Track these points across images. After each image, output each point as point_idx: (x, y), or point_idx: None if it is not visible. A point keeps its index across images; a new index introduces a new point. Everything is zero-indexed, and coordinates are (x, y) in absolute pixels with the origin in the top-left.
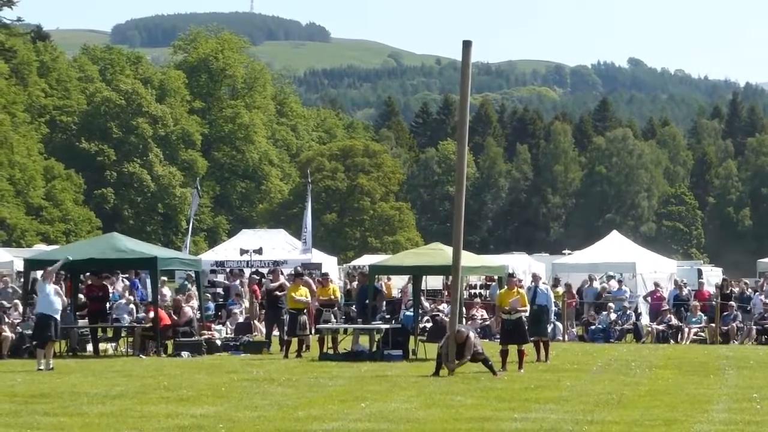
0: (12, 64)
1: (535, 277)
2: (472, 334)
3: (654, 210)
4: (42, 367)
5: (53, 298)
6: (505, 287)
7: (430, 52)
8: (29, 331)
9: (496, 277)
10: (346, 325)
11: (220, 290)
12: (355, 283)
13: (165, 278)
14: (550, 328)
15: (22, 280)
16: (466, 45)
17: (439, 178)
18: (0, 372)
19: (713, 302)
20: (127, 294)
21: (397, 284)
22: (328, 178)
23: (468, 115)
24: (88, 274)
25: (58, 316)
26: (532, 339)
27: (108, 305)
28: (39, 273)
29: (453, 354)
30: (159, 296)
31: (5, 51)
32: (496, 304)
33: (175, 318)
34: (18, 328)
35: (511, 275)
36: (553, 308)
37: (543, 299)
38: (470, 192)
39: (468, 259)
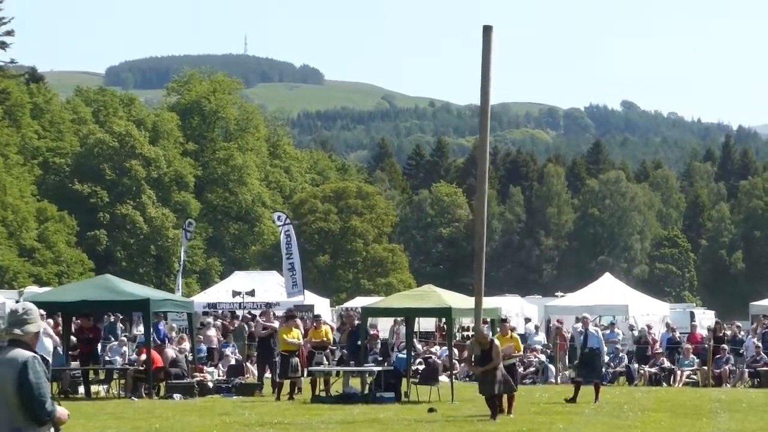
0: (5, 105)
1: (585, 320)
2: (497, 343)
3: (647, 252)
4: None
5: (43, 338)
6: (498, 333)
7: (424, 95)
8: None
9: (488, 320)
10: (339, 368)
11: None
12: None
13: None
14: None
15: None
16: (487, 30)
17: (432, 219)
18: None
19: (706, 345)
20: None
21: (386, 326)
22: (321, 219)
23: (489, 108)
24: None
25: (50, 358)
26: (587, 382)
27: (99, 347)
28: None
29: (478, 353)
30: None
31: None
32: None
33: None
34: None
35: (504, 320)
36: (605, 349)
37: (595, 342)
38: (463, 234)
39: (461, 301)
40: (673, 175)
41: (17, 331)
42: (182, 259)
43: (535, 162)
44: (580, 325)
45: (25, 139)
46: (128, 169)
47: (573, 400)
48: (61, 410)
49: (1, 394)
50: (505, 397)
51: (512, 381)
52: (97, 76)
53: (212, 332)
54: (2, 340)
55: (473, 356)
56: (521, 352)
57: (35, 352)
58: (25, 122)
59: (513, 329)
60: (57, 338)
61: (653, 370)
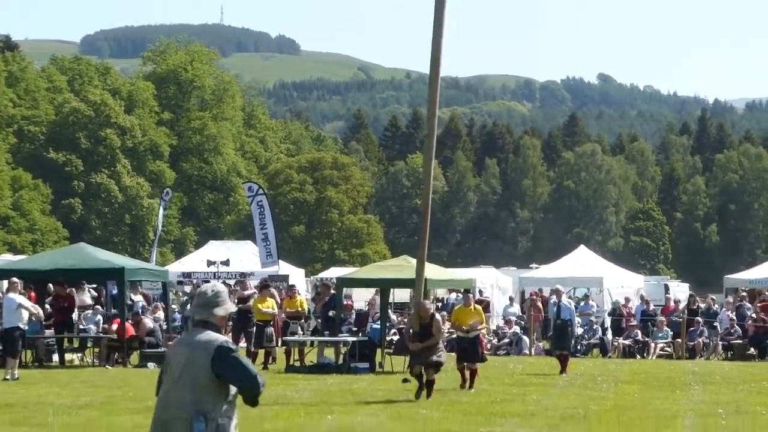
0: None
1: (558, 292)
2: (438, 317)
3: (622, 225)
4: (8, 377)
5: (19, 310)
6: (461, 304)
7: (400, 66)
8: None
9: (461, 291)
10: (313, 338)
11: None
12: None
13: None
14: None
15: None
16: None
17: (407, 191)
18: None
19: (680, 318)
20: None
21: (363, 297)
22: (296, 190)
23: (440, 57)
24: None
25: (25, 328)
26: (555, 353)
27: (74, 315)
28: (5, 284)
29: (417, 328)
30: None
31: None
32: (451, 321)
33: (136, 331)
34: None
35: (468, 291)
36: (577, 321)
37: (567, 313)
38: (438, 205)
39: (435, 272)
40: (648, 149)
41: (207, 313)
42: (159, 228)
43: (511, 134)
44: (554, 297)
45: None
46: (103, 138)
47: (563, 371)
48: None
49: (190, 375)
50: (467, 372)
51: (479, 353)
52: (72, 45)
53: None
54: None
55: (411, 330)
56: (484, 324)
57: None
58: (0, 91)
59: (482, 302)
60: (35, 310)
61: (627, 342)
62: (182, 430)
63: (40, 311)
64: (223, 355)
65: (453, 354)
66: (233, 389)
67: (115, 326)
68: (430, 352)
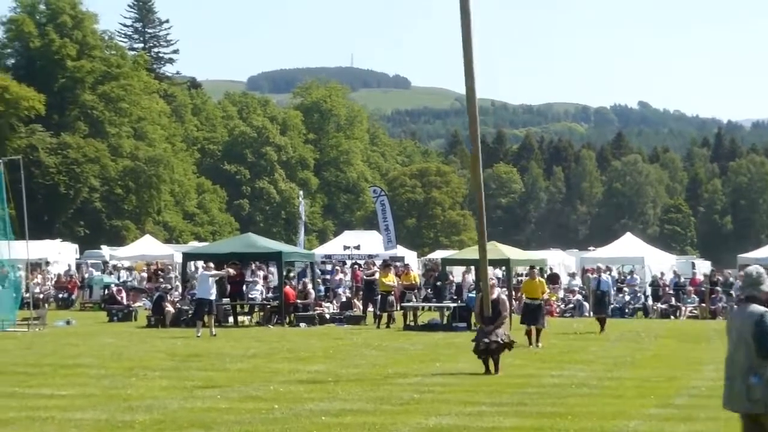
0: (172, 106)
1: (599, 269)
2: (504, 297)
3: (658, 217)
4: (200, 335)
5: (210, 285)
6: (528, 277)
7: (486, 96)
8: (186, 307)
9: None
10: (424, 304)
11: (328, 276)
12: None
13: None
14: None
15: (180, 268)
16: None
17: (492, 192)
18: (164, 337)
19: (703, 288)
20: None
21: (459, 273)
22: (409, 192)
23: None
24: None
25: (213, 298)
26: (595, 316)
27: (244, 287)
28: (201, 264)
29: (488, 309)
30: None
31: (168, 96)
32: (521, 291)
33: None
34: (177, 304)
35: (533, 268)
36: (613, 292)
37: (605, 286)
38: (517, 203)
39: (516, 253)
40: (677, 158)
41: (754, 289)
42: (302, 221)
43: (572, 148)
44: (595, 273)
45: (187, 131)
46: (264, 154)
47: (602, 330)
48: None
49: (741, 339)
50: (533, 331)
51: (538, 318)
52: (240, 84)
53: (339, 276)
54: (739, 298)
55: (482, 311)
56: (546, 294)
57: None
58: (188, 119)
59: (553, 276)
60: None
61: (664, 306)
62: (741, 382)
63: (230, 271)
64: (760, 323)
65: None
66: None
67: (285, 292)
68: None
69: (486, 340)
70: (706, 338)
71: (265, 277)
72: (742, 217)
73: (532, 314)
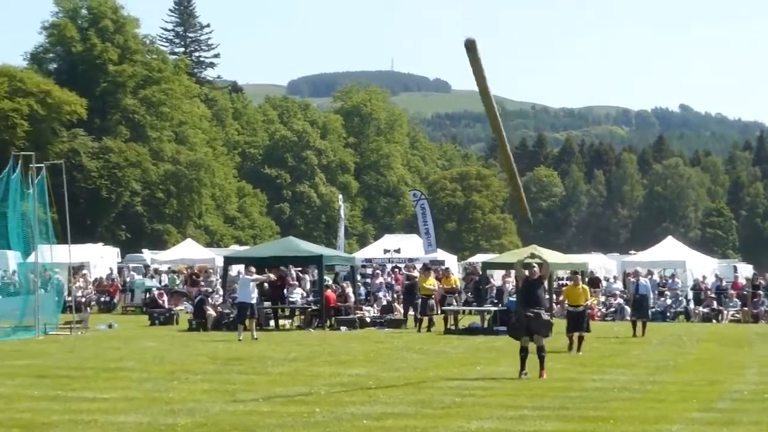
0: (213, 110)
1: (637, 273)
2: (546, 262)
3: (699, 220)
4: (241, 338)
5: (251, 289)
6: (571, 283)
7: (527, 100)
8: (227, 311)
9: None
10: (464, 307)
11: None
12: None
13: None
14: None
15: (221, 271)
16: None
17: (534, 195)
18: (205, 341)
19: (745, 291)
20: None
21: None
22: (449, 195)
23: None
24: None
25: (254, 302)
26: (633, 319)
27: (285, 291)
28: (242, 267)
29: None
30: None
31: (209, 100)
32: (563, 298)
33: (340, 300)
34: (219, 308)
35: (575, 273)
36: (652, 296)
37: (643, 289)
38: (558, 206)
39: (556, 257)
40: (719, 161)
41: None
42: (342, 224)
43: (613, 151)
44: (634, 277)
45: (228, 135)
46: (305, 158)
47: (634, 334)
48: None
49: None
50: (575, 337)
51: (583, 324)
52: (281, 88)
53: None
54: None
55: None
56: (589, 300)
57: None
58: (228, 123)
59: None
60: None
61: (705, 310)
62: None
63: (271, 276)
64: None
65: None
66: None
67: (326, 296)
68: (537, 324)
69: (530, 314)
70: (748, 342)
71: (301, 280)
72: None
73: (576, 321)
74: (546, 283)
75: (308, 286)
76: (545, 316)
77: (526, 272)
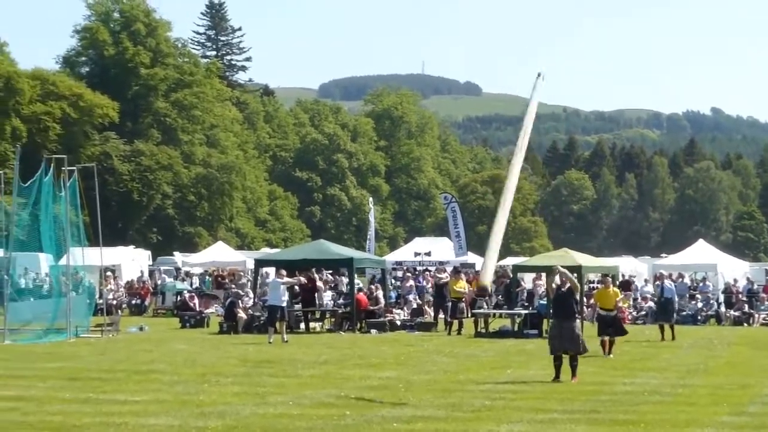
0: (245, 113)
1: (662, 276)
2: (573, 279)
3: (731, 223)
4: (271, 341)
5: (281, 292)
6: (602, 286)
7: (558, 103)
8: (258, 313)
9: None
10: (495, 311)
11: (399, 283)
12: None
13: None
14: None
15: (252, 274)
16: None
17: (565, 198)
18: (236, 343)
19: None
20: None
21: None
22: (480, 198)
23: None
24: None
25: (284, 305)
26: (659, 323)
27: (315, 293)
28: (272, 270)
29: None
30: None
31: (240, 104)
32: (594, 301)
33: (371, 303)
34: (249, 310)
35: (606, 275)
36: (677, 299)
37: (668, 293)
38: (589, 209)
39: (588, 260)
40: (750, 164)
41: None
42: (372, 227)
43: (644, 154)
44: (659, 280)
45: (259, 138)
46: (336, 161)
47: (662, 338)
48: None
49: None
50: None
51: (617, 327)
52: (312, 91)
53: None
54: None
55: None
56: (619, 302)
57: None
58: (260, 126)
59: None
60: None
61: (737, 313)
62: None
63: (301, 279)
64: None
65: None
66: None
67: (357, 299)
68: (572, 337)
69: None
70: None
71: (331, 284)
72: None
73: (607, 325)
74: (577, 295)
75: (345, 288)
76: (577, 329)
77: (557, 282)
